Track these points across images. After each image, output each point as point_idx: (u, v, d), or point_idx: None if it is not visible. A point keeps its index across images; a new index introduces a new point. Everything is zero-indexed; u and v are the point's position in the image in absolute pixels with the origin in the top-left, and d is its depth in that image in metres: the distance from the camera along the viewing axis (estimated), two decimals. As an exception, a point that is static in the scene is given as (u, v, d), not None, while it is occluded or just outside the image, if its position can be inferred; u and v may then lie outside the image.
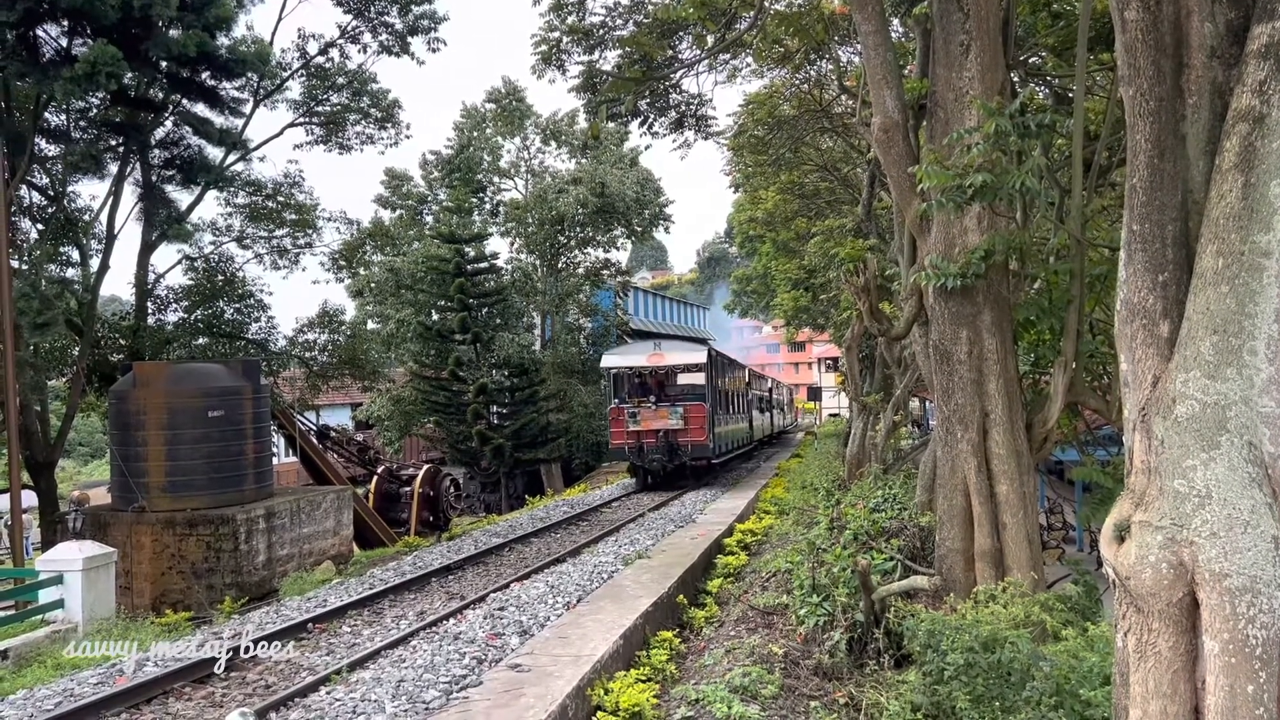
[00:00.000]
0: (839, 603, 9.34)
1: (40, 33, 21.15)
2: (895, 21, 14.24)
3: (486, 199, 47.13)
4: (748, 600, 11.55)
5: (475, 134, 46.31)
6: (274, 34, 28.20)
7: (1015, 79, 10.13)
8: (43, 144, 23.80)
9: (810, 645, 9.32)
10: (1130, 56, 4.59)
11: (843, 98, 19.56)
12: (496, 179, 47.47)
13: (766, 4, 14.95)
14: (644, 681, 8.48)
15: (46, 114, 23.35)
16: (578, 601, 11.36)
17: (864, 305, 11.38)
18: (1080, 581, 8.86)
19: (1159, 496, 4.22)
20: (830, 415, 74.45)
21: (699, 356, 25.86)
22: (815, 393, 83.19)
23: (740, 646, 9.36)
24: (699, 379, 26.81)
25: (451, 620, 10.85)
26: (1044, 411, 8.85)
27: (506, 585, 12.73)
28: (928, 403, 35.15)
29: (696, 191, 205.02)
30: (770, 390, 47.53)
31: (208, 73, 24.14)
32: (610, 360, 26.71)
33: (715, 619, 11.53)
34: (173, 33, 21.06)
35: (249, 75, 25.37)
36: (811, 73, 19.71)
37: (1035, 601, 7.66)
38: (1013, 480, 8.58)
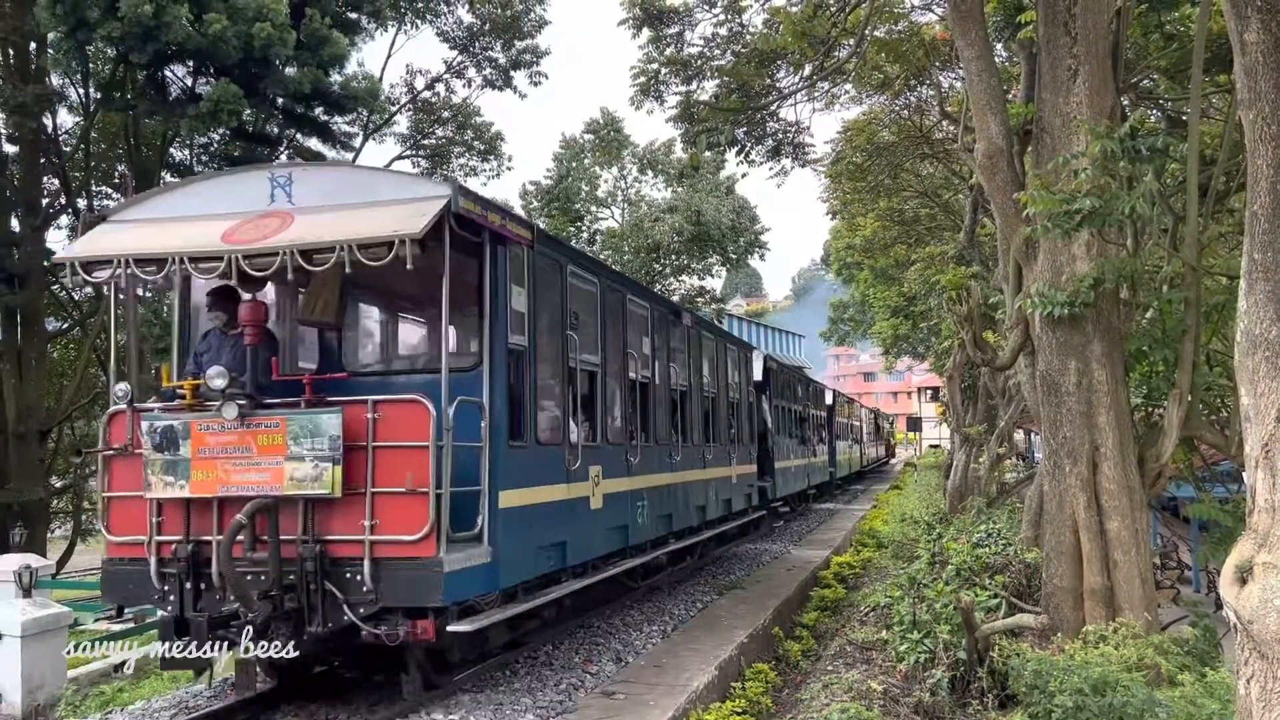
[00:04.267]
0: (940, 640, 9.11)
1: (168, 73, 22.39)
2: (998, 46, 14.01)
3: (584, 228, 47.77)
4: (845, 634, 11.36)
5: (574, 164, 47.08)
6: (383, 70, 29.26)
7: (1125, 103, 9.86)
8: (167, 178, 25.13)
9: (910, 683, 9.11)
10: (1250, 80, 4.45)
11: (944, 123, 19.30)
12: (594, 208, 48.13)
13: (867, 32, 14.88)
14: (739, 714, 8.40)
15: (171, 149, 24.67)
16: (673, 630, 11.34)
17: (967, 334, 11.15)
18: (1198, 624, 8.47)
19: (1284, 537, 4.03)
20: (931, 446, 72.86)
21: (415, 217, 6.55)
22: (915, 423, 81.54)
23: (838, 681, 9.19)
24: (459, 314, 8.21)
25: (548, 645, 10.93)
26: (1157, 446, 8.52)
27: (601, 611, 12.76)
28: (1033, 435, 34.14)
29: (791, 217, 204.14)
30: (831, 407, 34.15)
31: (321, 108, 25.14)
32: (94, 243, 7.52)
33: (812, 652, 11.36)
34: (289, 70, 22.02)
35: (360, 110, 26.34)
36: (912, 99, 19.52)
37: (1149, 643, 7.35)
38: (1124, 516, 8.27)
